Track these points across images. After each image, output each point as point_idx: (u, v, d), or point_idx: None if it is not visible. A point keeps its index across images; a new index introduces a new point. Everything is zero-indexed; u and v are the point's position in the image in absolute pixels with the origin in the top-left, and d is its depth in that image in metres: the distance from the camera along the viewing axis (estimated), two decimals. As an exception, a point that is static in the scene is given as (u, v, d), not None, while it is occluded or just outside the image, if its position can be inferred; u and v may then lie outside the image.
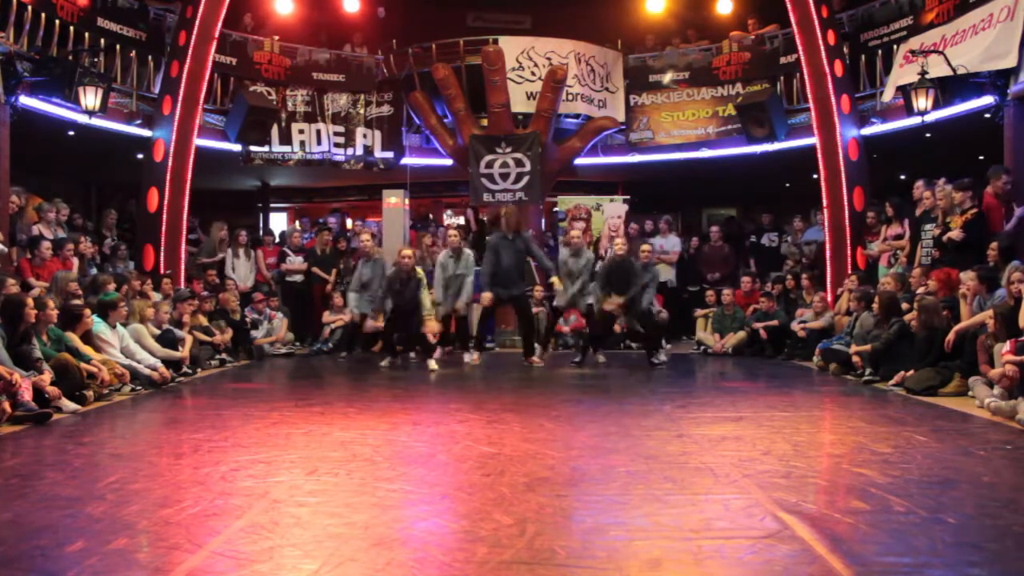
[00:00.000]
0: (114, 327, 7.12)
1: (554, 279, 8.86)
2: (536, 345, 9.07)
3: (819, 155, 10.21)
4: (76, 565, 2.63)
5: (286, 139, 11.79)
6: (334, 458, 4.23)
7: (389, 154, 12.20)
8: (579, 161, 12.28)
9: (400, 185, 11.95)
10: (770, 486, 3.59)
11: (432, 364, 8.39)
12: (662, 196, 13.51)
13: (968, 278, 6.65)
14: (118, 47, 9.89)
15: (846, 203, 9.97)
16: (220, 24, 10.39)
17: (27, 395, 5.31)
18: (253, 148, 11.41)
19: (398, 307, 8.67)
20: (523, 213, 11.38)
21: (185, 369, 7.79)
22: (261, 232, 12.57)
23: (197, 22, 10.05)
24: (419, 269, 8.94)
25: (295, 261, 11.05)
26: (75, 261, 8.41)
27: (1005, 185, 7.81)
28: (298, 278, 11.08)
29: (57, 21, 8.88)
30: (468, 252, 9.08)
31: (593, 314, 8.90)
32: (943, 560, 2.69)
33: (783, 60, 11.34)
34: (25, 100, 8.23)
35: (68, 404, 5.69)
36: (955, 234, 7.54)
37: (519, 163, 11.25)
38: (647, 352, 8.87)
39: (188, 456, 4.36)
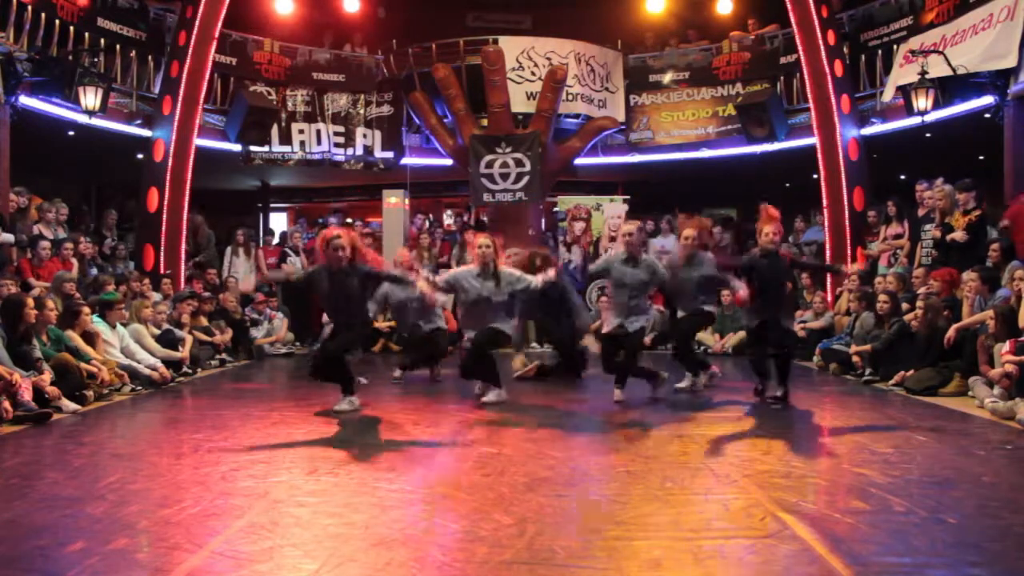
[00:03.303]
0: (114, 327, 7.13)
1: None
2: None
3: (819, 155, 10.21)
4: (76, 565, 2.63)
5: (286, 139, 11.79)
6: (334, 458, 4.23)
7: (389, 154, 12.19)
8: (579, 161, 12.28)
9: (400, 185, 11.95)
10: (770, 486, 3.59)
11: (343, 404, 5.88)
12: (662, 196, 13.47)
13: (970, 278, 6.66)
14: (118, 47, 9.91)
15: (846, 203, 9.97)
16: (220, 24, 10.39)
17: (27, 395, 5.32)
18: (253, 148, 11.41)
19: (338, 310, 5.91)
20: (523, 214, 11.39)
21: (185, 369, 7.79)
22: (261, 232, 12.56)
23: (197, 22, 10.05)
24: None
25: (296, 261, 11.04)
26: (75, 262, 8.41)
27: None
28: (298, 278, 11.07)
29: (57, 21, 8.89)
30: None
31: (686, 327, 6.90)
32: (943, 560, 2.69)
33: (783, 60, 11.35)
34: (25, 100, 8.24)
35: (68, 404, 5.69)
36: (959, 235, 7.53)
37: (519, 163, 11.24)
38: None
39: (188, 456, 4.36)
